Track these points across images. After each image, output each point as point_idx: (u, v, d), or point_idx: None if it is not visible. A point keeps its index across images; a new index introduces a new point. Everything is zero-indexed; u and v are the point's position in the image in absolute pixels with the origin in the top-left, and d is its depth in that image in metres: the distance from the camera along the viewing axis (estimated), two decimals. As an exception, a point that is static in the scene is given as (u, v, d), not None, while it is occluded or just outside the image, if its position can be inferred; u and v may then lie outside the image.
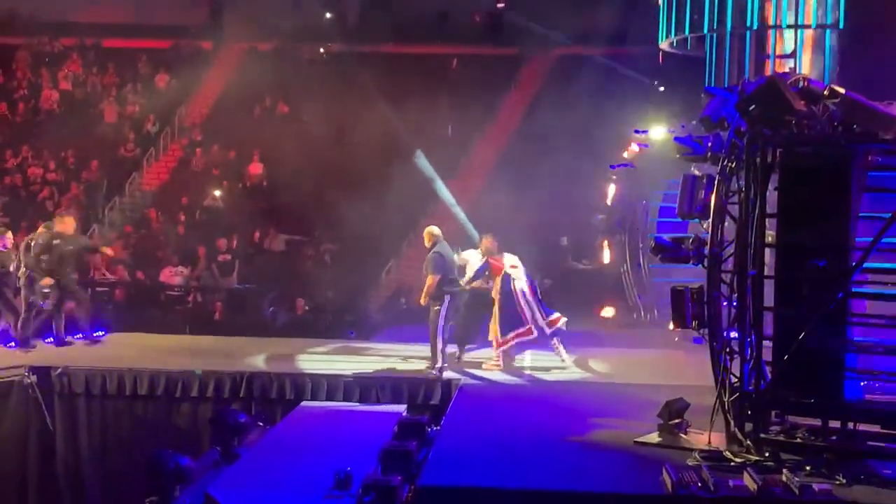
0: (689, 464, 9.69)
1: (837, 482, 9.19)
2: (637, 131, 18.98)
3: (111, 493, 14.07)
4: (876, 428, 10.09)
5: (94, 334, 16.46)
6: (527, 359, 15.37)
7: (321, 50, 32.57)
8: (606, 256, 19.37)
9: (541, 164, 23.53)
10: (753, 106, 9.95)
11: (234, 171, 28.68)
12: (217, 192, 27.39)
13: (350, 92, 28.55)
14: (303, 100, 29.99)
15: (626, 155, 18.96)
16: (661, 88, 24.13)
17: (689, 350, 15.68)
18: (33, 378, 14.22)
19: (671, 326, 16.82)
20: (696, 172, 10.89)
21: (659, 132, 17.97)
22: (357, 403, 13.93)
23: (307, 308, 21.41)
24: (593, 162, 20.89)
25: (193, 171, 29.19)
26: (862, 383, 10.39)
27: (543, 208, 22.90)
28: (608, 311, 18.95)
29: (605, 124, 22.24)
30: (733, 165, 10.31)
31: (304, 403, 13.83)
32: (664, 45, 19.94)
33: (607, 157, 19.92)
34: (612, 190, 19.08)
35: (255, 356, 15.41)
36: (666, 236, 10.95)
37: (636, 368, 14.98)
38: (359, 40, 30.98)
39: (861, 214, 10.08)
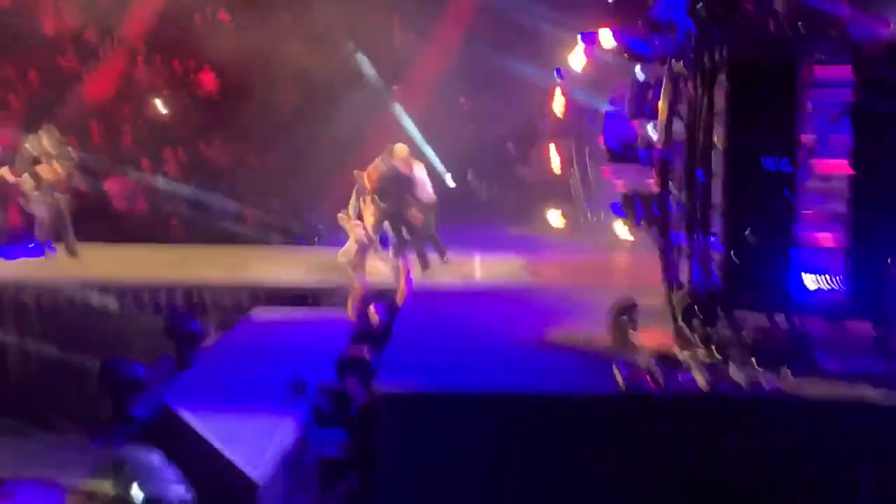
0: (640, 362, 9.86)
1: (784, 376, 9.40)
2: (584, 35, 18.83)
3: (65, 404, 14.07)
4: (819, 322, 10.30)
5: (46, 246, 16.31)
6: (476, 261, 15.45)
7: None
8: (554, 162, 19.37)
9: (486, 70, 23.35)
10: (701, 5, 9.94)
11: (178, 81, 28.19)
12: (158, 103, 26.94)
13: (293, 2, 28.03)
14: (244, 8, 29.41)
15: (571, 61, 18.84)
16: (607, -6, 23.93)
17: (634, 254, 15.85)
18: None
19: (618, 231, 17.11)
20: (640, 76, 10.93)
21: (606, 38, 17.85)
22: (310, 310, 13.99)
23: (256, 219, 21.29)
24: (540, 68, 20.76)
25: (137, 82, 28.66)
26: (805, 279, 10.55)
27: (488, 116, 22.80)
28: (555, 216, 19.03)
29: (552, 31, 22.06)
30: (682, 67, 10.33)
31: (256, 310, 13.86)
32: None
33: (554, 63, 19.78)
34: (558, 95, 19.00)
35: (207, 265, 15.37)
36: (616, 139, 10.98)
37: (584, 271, 15.12)
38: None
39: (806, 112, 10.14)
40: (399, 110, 23.02)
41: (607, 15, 20.77)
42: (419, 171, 16.09)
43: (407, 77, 26.56)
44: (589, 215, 18.99)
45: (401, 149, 15.98)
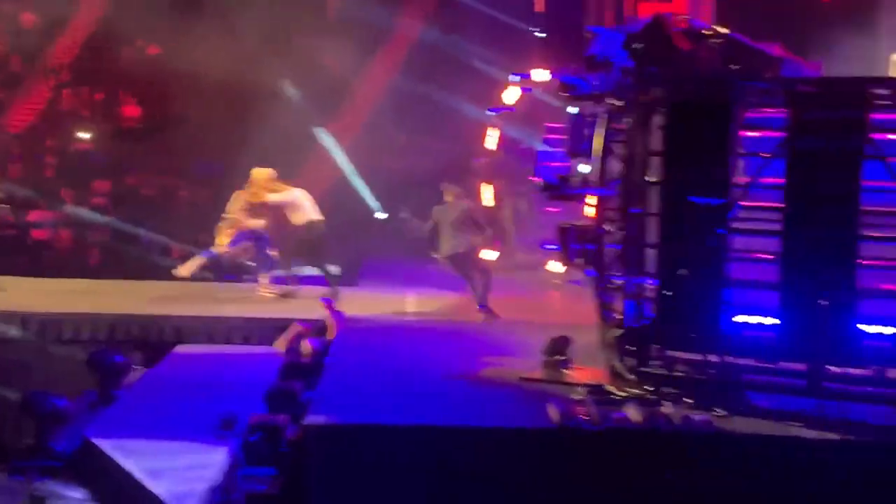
0: (574, 398, 9.81)
1: (716, 413, 9.42)
2: (517, 75, 18.96)
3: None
4: (752, 361, 10.34)
5: None
6: (409, 298, 15.37)
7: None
8: (487, 200, 19.38)
9: (419, 109, 23.41)
10: (639, 44, 10.01)
11: (104, 112, 27.88)
12: (84, 135, 26.62)
13: (225, 32, 27.91)
14: (175, 41, 29.22)
15: (506, 98, 18.93)
16: (540, 35, 24.13)
17: (568, 292, 15.87)
18: None
19: (550, 268, 17.13)
20: (573, 111, 10.99)
21: (540, 76, 17.98)
22: (239, 346, 13.77)
23: (184, 253, 21.01)
24: (473, 107, 20.85)
25: (61, 112, 28.28)
26: (739, 318, 10.60)
27: (422, 153, 22.84)
28: (488, 254, 18.99)
29: (485, 70, 22.21)
30: (619, 104, 10.39)
31: (182, 346, 13.60)
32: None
33: (487, 101, 19.86)
34: (492, 134, 19.07)
35: (132, 299, 15.08)
36: (552, 175, 11.00)
37: (517, 309, 15.09)
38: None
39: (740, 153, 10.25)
40: (330, 143, 22.98)
41: (542, 54, 21.07)
42: (288, 196, 16.30)
43: (340, 110, 26.58)
44: (521, 254, 19.04)
45: (258, 173, 16.38)
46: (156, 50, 29.65)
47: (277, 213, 16.41)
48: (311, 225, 16.16)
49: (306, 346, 12.65)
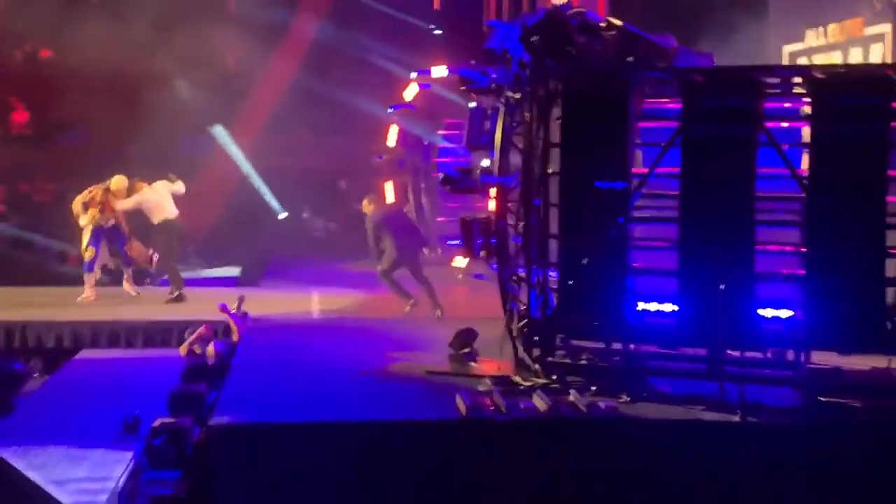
0: (481, 389, 9.85)
1: (621, 400, 9.55)
2: (417, 72, 19.03)
3: None
4: (654, 347, 10.52)
5: None
6: (314, 297, 15.31)
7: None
8: (390, 197, 19.40)
9: (320, 110, 23.33)
10: (536, 37, 10.11)
11: (-6, 118, 27.23)
12: None
13: (119, 33, 27.43)
14: (68, 43, 28.65)
15: (406, 96, 18.99)
16: (438, 32, 24.23)
17: (473, 286, 15.94)
18: None
19: (454, 263, 17.22)
20: (472, 105, 11.04)
21: (439, 72, 18.07)
22: (140, 350, 13.56)
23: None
24: (373, 105, 20.85)
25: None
26: (640, 305, 10.76)
27: (323, 153, 22.78)
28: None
29: (384, 67, 22.21)
30: (517, 97, 10.47)
31: (83, 352, 13.35)
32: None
33: (388, 99, 19.89)
34: (393, 131, 19.11)
35: (29, 306, 14.76)
36: (453, 168, 11.04)
37: (423, 305, 15.12)
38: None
39: (637, 143, 10.41)
40: (228, 141, 22.79)
41: (441, 50, 21.15)
42: (141, 198, 16.73)
43: (239, 108, 26.32)
44: (425, 251, 19.07)
45: (116, 181, 16.98)
46: (47, 53, 29.08)
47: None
48: (166, 223, 16.26)
49: (210, 349, 12.51)
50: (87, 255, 16.50)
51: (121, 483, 9.24)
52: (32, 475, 9.00)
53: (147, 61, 24.71)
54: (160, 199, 16.67)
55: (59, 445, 9.77)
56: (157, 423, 10.13)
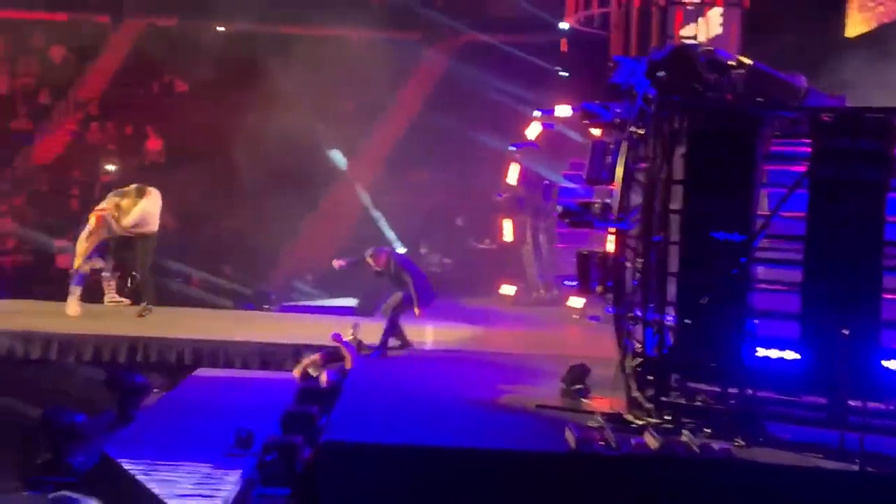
0: (592, 425, 9.75)
1: (736, 443, 9.35)
2: (540, 111, 19.07)
3: (2, 461, 13.63)
4: (773, 393, 10.27)
5: None
6: (427, 329, 15.34)
7: (221, 28, 32.09)
8: (508, 235, 19.42)
9: (442, 145, 23.54)
10: (662, 72, 10.05)
11: (130, 146, 28.16)
12: (110, 167, 26.87)
13: (250, 70, 28.22)
14: (201, 77, 29.58)
15: (528, 134, 19.03)
16: (564, 74, 24.28)
17: (587, 327, 15.82)
18: (-83, 342, 13.74)
19: (569, 303, 17.12)
20: (595, 139, 10.99)
21: (563, 111, 18.08)
22: (256, 371, 13.76)
23: (203, 285, 21.20)
24: (496, 143, 20.94)
25: (88, 145, 28.56)
26: (760, 352, 10.55)
27: (444, 189, 22.95)
28: (508, 289, 19.02)
29: (508, 106, 22.33)
30: (641, 132, 10.41)
31: (201, 370, 13.62)
32: (570, 19, 20.06)
33: (510, 137, 19.97)
34: (514, 169, 19.15)
35: (153, 323, 15.11)
36: (573, 201, 11.01)
37: (536, 342, 15.06)
38: (259, 20, 30.61)
39: (763, 183, 10.25)
40: (348, 175, 23.13)
41: (566, 91, 21.16)
42: (149, 207, 16.28)
43: (363, 146, 26.77)
44: (541, 290, 19.04)
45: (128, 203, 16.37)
46: (183, 86, 30.03)
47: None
48: (154, 236, 16.27)
49: (323, 376, 12.66)
50: (86, 268, 16.16)
51: (231, 497, 9.37)
52: (146, 482, 9.20)
53: (274, 104, 25.34)
54: (155, 210, 16.36)
55: (173, 456, 9.94)
56: (269, 440, 10.30)
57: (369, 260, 14.38)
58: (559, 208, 11.18)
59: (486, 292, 18.89)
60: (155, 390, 13.12)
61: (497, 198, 19.63)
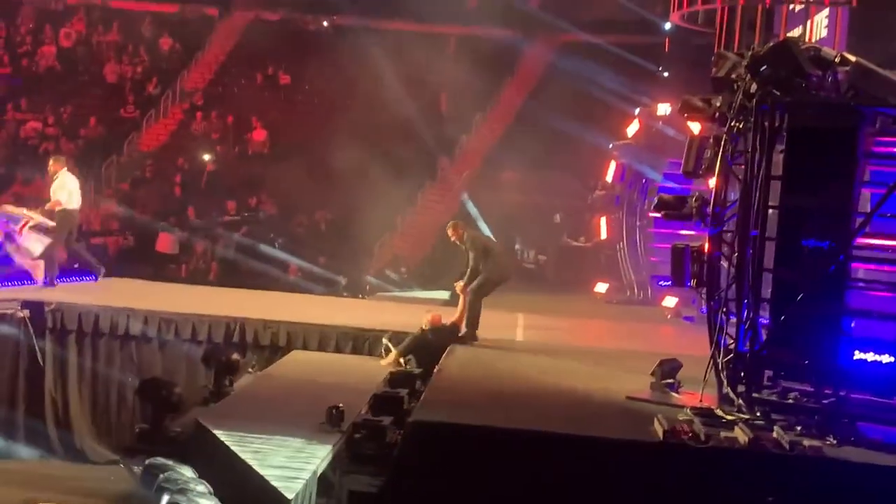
0: (681, 418, 9.71)
1: (828, 442, 9.24)
2: (641, 108, 19.02)
3: (99, 429, 14.07)
4: (867, 395, 10.12)
5: (86, 278, 16.48)
6: (519, 321, 15.40)
7: (325, 23, 32.56)
8: (603, 233, 19.39)
9: (542, 143, 23.58)
10: (765, 67, 9.95)
11: (232, 136, 28.72)
12: (207, 157, 27.46)
13: (352, 64, 28.60)
14: (305, 70, 30.05)
15: (628, 132, 18.98)
16: (666, 74, 24.19)
17: (681, 326, 15.77)
18: (25, 312, 14.21)
19: (664, 303, 17.03)
20: (694, 132, 10.92)
21: (663, 109, 18.00)
22: (349, 354, 13.97)
23: (300, 272, 21.56)
24: (595, 141, 20.94)
25: (193, 134, 29.20)
26: (856, 355, 10.39)
27: (542, 186, 23.00)
28: (601, 287, 19.00)
29: (607, 104, 22.29)
30: (741, 126, 10.33)
31: (295, 351, 13.86)
32: (674, 17, 19.91)
33: (609, 136, 19.95)
34: (612, 167, 19.11)
35: (249, 305, 15.43)
36: (671, 194, 10.97)
37: (628, 337, 15.03)
38: (363, 15, 30.99)
39: (865, 181, 10.11)
40: (452, 176, 23.31)
41: (668, 90, 21.04)
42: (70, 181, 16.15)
43: (461, 148, 26.91)
44: (635, 289, 18.98)
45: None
46: (286, 79, 30.53)
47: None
48: (75, 212, 16.20)
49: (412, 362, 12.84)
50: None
51: (319, 470, 9.53)
52: (239, 450, 9.41)
53: (374, 98, 25.60)
54: (75, 184, 16.23)
55: (265, 429, 10.12)
56: (359, 419, 10.47)
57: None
58: (654, 200, 11.10)
59: (580, 290, 18.88)
60: (250, 369, 13.37)
61: (593, 196, 19.62)
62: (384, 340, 13.49)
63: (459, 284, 13.53)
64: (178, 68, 31.28)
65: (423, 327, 13.20)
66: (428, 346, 13.01)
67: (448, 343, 13.03)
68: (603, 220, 19.31)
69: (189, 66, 31.52)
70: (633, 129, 18.78)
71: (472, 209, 23.17)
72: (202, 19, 32.78)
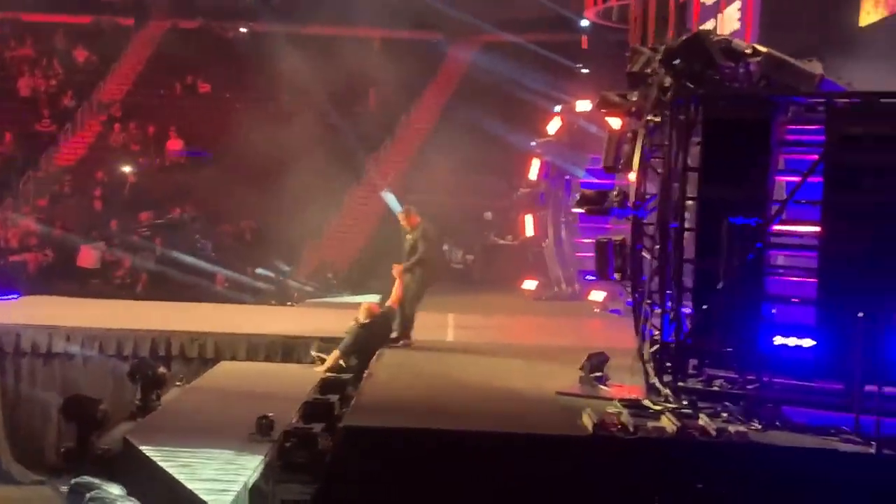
0: (610, 410, 9.78)
1: (753, 427, 9.37)
2: (561, 106, 19.14)
3: (24, 450, 13.82)
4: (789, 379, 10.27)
5: (5, 297, 16.24)
6: (449, 321, 15.43)
7: (243, 29, 32.34)
8: (529, 230, 19.49)
9: (465, 144, 23.65)
10: (678, 60, 10.08)
11: (153, 147, 28.40)
12: (127, 169, 27.15)
13: (271, 70, 28.43)
14: (224, 78, 29.82)
15: (549, 129, 19.09)
16: (585, 71, 24.39)
17: (608, 320, 15.90)
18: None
19: (590, 297, 17.17)
20: (612, 127, 11.03)
21: (583, 106, 18.13)
22: (277, 363, 13.88)
23: (227, 283, 21.38)
24: (517, 139, 21.04)
25: (111, 146, 28.82)
26: (777, 339, 10.55)
27: (467, 186, 23.06)
28: (530, 284, 19.10)
29: (529, 103, 22.42)
30: (658, 120, 10.44)
31: (224, 362, 13.74)
32: (589, 13, 20.10)
33: (531, 134, 20.05)
34: (535, 164, 19.21)
35: (176, 318, 15.27)
36: (591, 190, 11.06)
37: (556, 333, 15.12)
38: (281, 21, 30.84)
39: (780, 170, 10.27)
40: (376, 179, 23.27)
41: (587, 87, 21.22)
42: None
43: (387, 146, 26.89)
44: (563, 284, 19.10)
45: None
46: (206, 87, 30.25)
47: None
48: None
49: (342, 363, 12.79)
50: None
51: (251, 481, 9.46)
52: (167, 466, 9.31)
53: (295, 103, 25.44)
54: None
55: (194, 443, 10.03)
56: (289, 427, 10.41)
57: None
58: (577, 196, 11.19)
59: (508, 288, 18.95)
60: (177, 383, 13.24)
61: (518, 194, 19.71)
62: (312, 352, 13.41)
63: (398, 267, 13.36)
64: (94, 80, 30.88)
65: (361, 320, 13.15)
66: (369, 340, 12.96)
67: (389, 331, 13.02)
68: (528, 218, 19.40)
69: (105, 78, 31.13)
70: (554, 126, 18.89)
71: (394, 203, 23.15)
72: (118, 29, 32.38)
